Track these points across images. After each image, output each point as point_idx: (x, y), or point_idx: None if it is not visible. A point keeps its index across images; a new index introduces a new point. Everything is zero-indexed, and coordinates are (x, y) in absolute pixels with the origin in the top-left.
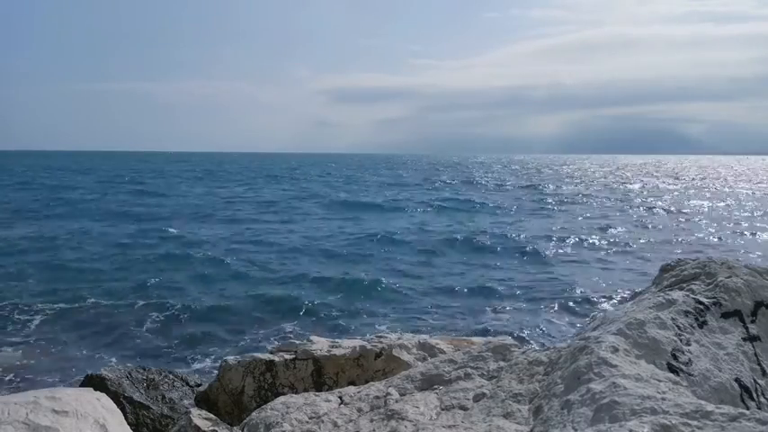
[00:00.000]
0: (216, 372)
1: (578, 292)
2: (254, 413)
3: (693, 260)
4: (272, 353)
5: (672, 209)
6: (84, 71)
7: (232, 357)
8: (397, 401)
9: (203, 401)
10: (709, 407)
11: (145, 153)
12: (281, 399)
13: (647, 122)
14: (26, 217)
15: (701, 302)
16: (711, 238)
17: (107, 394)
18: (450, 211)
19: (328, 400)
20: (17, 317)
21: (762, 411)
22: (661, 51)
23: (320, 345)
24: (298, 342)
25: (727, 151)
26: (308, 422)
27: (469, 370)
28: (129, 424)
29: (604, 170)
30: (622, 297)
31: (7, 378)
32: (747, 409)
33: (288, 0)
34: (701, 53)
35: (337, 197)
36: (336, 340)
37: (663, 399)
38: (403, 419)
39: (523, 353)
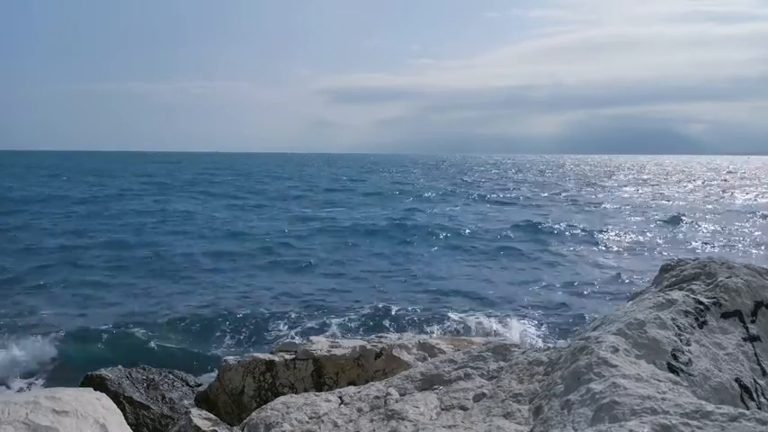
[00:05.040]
0: (216, 372)
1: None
2: (254, 413)
3: (693, 260)
4: (272, 353)
5: None
6: (84, 71)
7: (232, 357)
8: (397, 401)
9: (203, 401)
10: (710, 407)
11: (148, 153)
12: (281, 399)
13: (648, 122)
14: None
15: (701, 302)
16: None
17: (107, 394)
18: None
19: (328, 400)
20: (17, 316)
21: (762, 411)
22: (662, 51)
23: (320, 345)
24: (298, 342)
25: (729, 151)
26: (308, 422)
27: (469, 370)
28: (129, 424)
29: None
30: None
31: (7, 378)
32: (747, 409)
33: (288, 0)
34: (703, 53)
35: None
36: (336, 340)
37: (663, 399)
38: (403, 419)
39: (523, 353)
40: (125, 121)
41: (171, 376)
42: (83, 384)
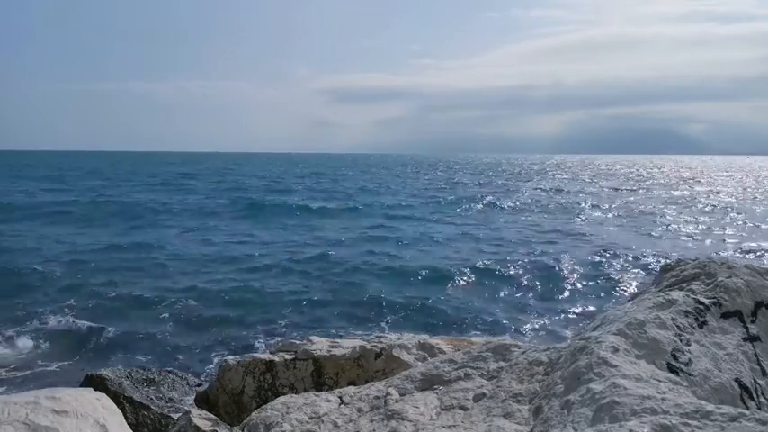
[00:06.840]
0: (216, 372)
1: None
2: (254, 413)
3: (693, 260)
4: (272, 353)
5: None
6: (85, 71)
7: (232, 357)
8: (397, 401)
9: (203, 401)
10: (709, 407)
11: (145, 153)
12: (281, 399)
13: (648, 122)
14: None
15: (701, 302)
16: None
17: (107, 394)
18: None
19: (328, 400)
20: (18, 316)
21: (762, 411)
22: (662, 51)
23: (320, 345)
24: (298, 342)
25: (729, 151)
26: (308, 422)
27: (469, 370)
28: (129, 424)
29: None
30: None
31: (7, 378)
32: (747, 409)
33: (288, 0)
34: (703, 53)
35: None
36: (336, 340)
37: (663, 399)
38: (403, 419)
39: (523, 353)
40: (125, 121)
41: (171, 376)
42: (83, 384)
